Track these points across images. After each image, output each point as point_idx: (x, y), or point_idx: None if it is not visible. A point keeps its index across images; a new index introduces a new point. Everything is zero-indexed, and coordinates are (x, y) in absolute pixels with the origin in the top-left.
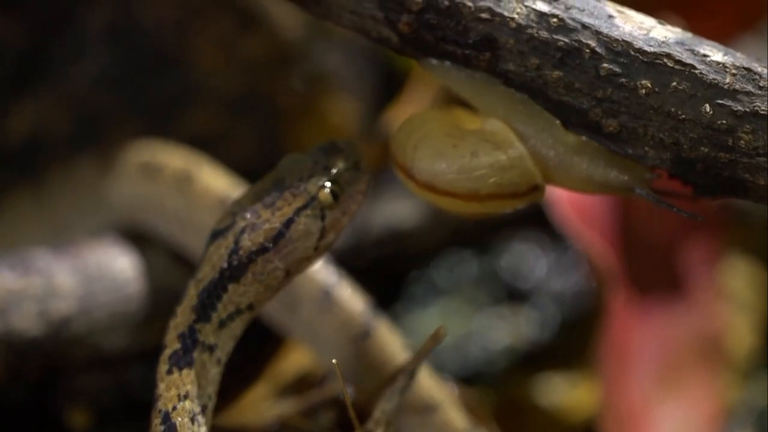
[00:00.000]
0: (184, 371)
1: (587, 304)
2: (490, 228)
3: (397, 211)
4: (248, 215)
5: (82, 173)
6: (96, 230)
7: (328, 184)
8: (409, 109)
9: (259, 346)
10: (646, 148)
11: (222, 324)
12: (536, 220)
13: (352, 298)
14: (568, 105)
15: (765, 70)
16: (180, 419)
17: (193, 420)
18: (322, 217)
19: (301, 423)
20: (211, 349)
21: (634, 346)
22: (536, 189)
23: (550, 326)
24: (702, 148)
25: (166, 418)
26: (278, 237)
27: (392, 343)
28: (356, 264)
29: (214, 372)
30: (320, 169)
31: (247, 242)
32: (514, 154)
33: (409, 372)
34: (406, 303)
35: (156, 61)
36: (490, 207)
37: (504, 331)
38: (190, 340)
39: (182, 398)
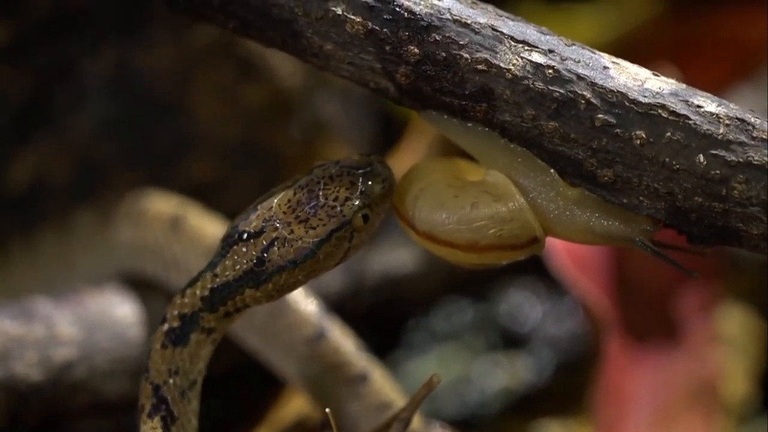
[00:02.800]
0: (178, 348)
1: (583, 349)
2: (486, 276)
3: (394, 258)
4: (280, 227)
5: (83, 222)
6: (96, 278)
7: (364, 210)
8: (407, 158)
9: (259, 392)
10: (641, 198)
11: (227, 315)
12: (532, 268)
13: (343, 340)
14: (563, 155)
15: (758, 121)
16: (170, 396)
17: (182, 395)
18: (350, 239)
19: None
20: (209, 331)
21: (630, 391)
22: (536, 241)
23: (546, 371)
24: (696, 198)
25: (157, 391)
26: (308, 256)
27: (386, 386)
28: (354, 310)
29: (208, 350)
30: (357, 191)
31: (276, 256)
32: (514, 206)
33: (403, 420)
34: (404, 350)
35: (156, 110)
36: (490, 258)
37: (501, 375)
38: (190, 322)
39: (173, 374)
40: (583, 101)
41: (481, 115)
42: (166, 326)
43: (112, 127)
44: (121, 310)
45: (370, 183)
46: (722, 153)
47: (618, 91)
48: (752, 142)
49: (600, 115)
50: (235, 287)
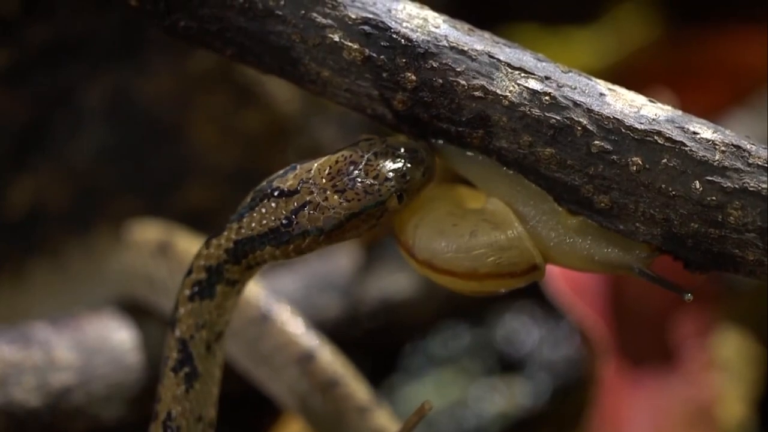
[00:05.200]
0: (205, 301)
1: (579, 374)
2: (483, 301)
3: (391, 283)
4: (315, 192)
5: (81, 248)
6: (94, 304)
7: (400, 193)
8: None
9: (257, 418)
10: (637, 224)
11: (249, 267)
12: (529, 293)
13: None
14: (560, 181)
15: (754, 148)
16: (197, 350)
17: (208, 349)
18: (379, 217)
19: None
20: (234, 283)
21: (626, 416)
22: (535, 269)
23: (542, 396)
24: (692, 224)
25: (184, 346)
26: (336, 227)
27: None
28: (351, 335)
29: (233, 301)
30: (398, 174)
31: (305, 221)
32: (513, 234)
33: None
34: (401, 374)
35: (154, 136)
36: (489, 286)
37: (498, 400)
38: (216, 274)
39: (200, 328)
40: (579, 128)
41: (478, 142)
42: (193, 276)
43: (110, 152)
44: (119, 336)
45: (411, 167)
46: (718, 179)
47: (614, 118)
48: (748, 169)
49: (596, 142)
50: (258, 243)
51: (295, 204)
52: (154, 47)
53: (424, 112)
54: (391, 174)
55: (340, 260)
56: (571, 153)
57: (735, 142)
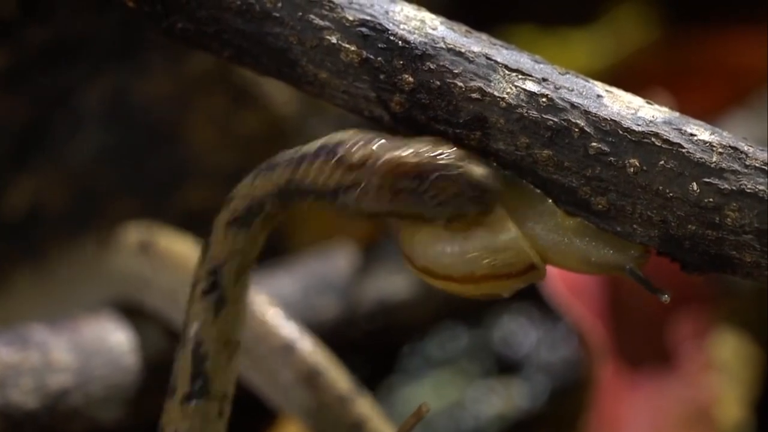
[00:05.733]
0: (242, 230)
1: (577, 375)
2: (481, 302)
3: (389, 284)
4: (374, 181)
5: (79, 250)
6: (92, 306)
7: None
8: None
9: (253, 423)
10: (635, 226)
11: (287, 207)
12: (527, 295)
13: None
14: (557, 183)
15: (751, 149)
16: (226, 279)
17: (237, 279)
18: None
19: None
20: (272, 217)
21: (624, 417)
22: (533, 269)
23: (540, 397)
24: (689, 226)
25: (215, 273)
26: (374, 215)
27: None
28: (349, 337)
29: (265, 235)
30: (455, 209)
31: (350, 200)
32: (507, 236)
33: None
34: (399, 376)
35: (152, 137)
36: (486, 288)
37: (495, 401)
38: (259, 206)
39: (233, 256)
40: (576, 129)
41: (475, 144)
42: (233, 205)
43: (109, 153)
44: (117, 337)
45: (472, 207)
46: (715, 181)
47: (611, 120)
48: (745, 170)
49: (593, 144)
50: (302, 193)
51: (349, 180)
52: (152, 49)
53: (422, 113)
54: (450, 205)
55: (337, 261)
56: (569, 155)
57: (732, 144)
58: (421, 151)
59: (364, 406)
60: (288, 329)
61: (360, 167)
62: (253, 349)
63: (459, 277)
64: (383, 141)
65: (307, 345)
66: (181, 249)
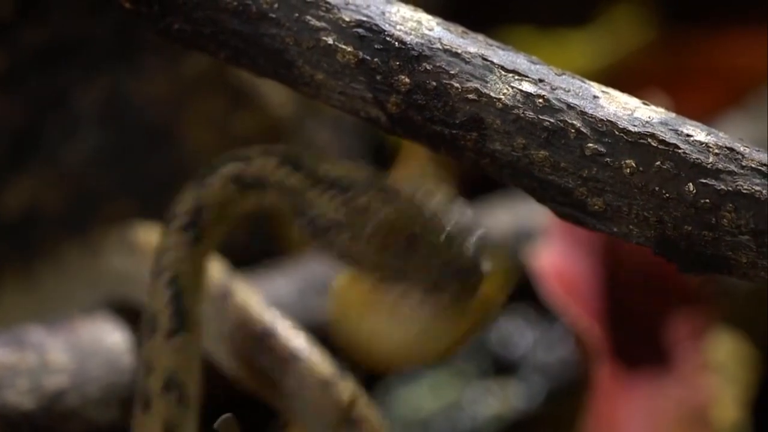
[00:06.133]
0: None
1: (574, 376)
2: None
3: None
4: (363, 234)
5: (75, 251)
6: (89, 307)
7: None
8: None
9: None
10: (631, 227)
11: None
12: (523, 295)
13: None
14: (553, 184)
15: (747, 150)
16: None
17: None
18: None
19: None
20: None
21: (621, 418)
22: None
23: (537, 398)
24: (685, 227)
25: (198, 212)
26: (354, 264)
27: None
28: None
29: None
30: (442, 297)
31: (338, 241)
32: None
33: None
34: (397, 377)
35: (148, 139)
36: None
37: (492, 402)
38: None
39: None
40: (573, 130)
41: (472, 145)
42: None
43: (105, 155)
44: (113, 338)
45: (459, 296)
46: (712, 182)
47: (608, 120)
48: (741, 171)
49: (590, 144)
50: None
51: (345, 220)
52: (148, 50)
53: (418, 114)
54: (438, 274)
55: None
56: (565, 155)
57: (728, 145)
58: (425, 213)
59: (347, 390)
60: (268, 315)
61: (363, 213)
62: (234, 336)
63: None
64: (392, 191)
65: (286, 330)
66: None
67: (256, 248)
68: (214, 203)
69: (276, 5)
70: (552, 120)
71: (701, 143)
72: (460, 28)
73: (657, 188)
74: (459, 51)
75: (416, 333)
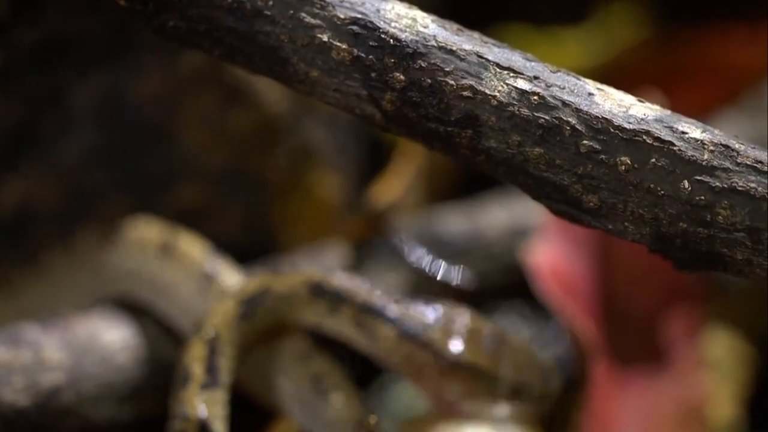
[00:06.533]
0: None
1: (569, 374)
2: (473, 299)
3: (381, 282)
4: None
5: (71, 248)
6: (85, 304)
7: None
8: (395, 183)
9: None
10: (626, 224)
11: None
12: (518, 292)
13: None
14: (548, 181)
15: (742, 147)
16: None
17: None
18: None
19: None
20: None
21: (616, 416)
22: None
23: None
24: (681, 224)
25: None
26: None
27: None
28: None
29: None
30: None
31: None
32: None
33: None
34: (392, 374)
35: (143, 136)
36: None
37: None
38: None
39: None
40: (568, 127)
41: (467, 142)
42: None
43: (100, 153)
44: (109, 335)
45: (539, 381)
46: (707, 179)
47: (603, 118)
48: (737, 168)
49: (585, 142)
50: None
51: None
52: (143, 48)
53: (413, 111)
54: (518, 373)
55: (329, 260)
56: (560, 153)
57: (724, 142)
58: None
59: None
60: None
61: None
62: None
63: None
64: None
65: (229, 275)
66: (201, 255)
67: (253, 246)
68: (281, 295)
69: (271, 2)
70: (547, 117)
71: (696, 140)
72: (455, 26)
73: (652, 185)
74: (454, 48)
75: None
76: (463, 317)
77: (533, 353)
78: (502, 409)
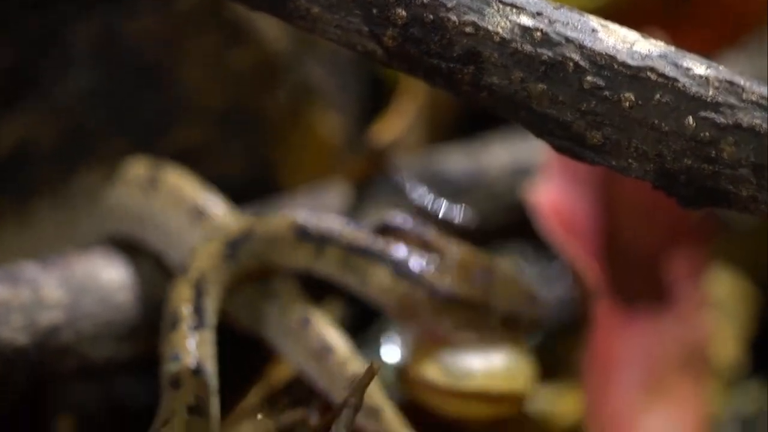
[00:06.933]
0: None
1: (572, 314)
2: (475, 240)
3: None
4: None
5: (69, 188)
6: (84, 244)
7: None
8: (397, 122)
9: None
10: (630, 161)
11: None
12: (520, 232)
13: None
14: (552, 118)
15: (747, 83)
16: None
17: None
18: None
19: None
20: None
21: (619, 355)
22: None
23: (535, 335)
24: (685, 160)
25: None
26: (449, 300)
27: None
28: None
29: None
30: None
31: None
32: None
33: (352, 406)
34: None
35: (142, 76)
36: (469, 407)
37: None
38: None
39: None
40: (571, 64)
41: (469, 78)
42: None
43: (98, 94)
44: (108, 274)
45: (529, 309)
46: (711, 115)
47: (607, 54)
48: (741, 104)
49: (588, 78)
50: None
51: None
52: None
53: (415, 48)
54: (512, 303)
55: (330, 200)
56: (563, 89)
57: (728, 78)
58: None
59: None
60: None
61: (444, 250)
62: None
63: (446, 387)
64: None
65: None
66: (190, 188)
67: (253, 186)
68: (266, 238)
69: None
70: (550, 53)
71: (701, 77)
72: None
73: (656, 122)
74: None
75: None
76: (452, 250)
77: (521, 281)
78: (494, 338)
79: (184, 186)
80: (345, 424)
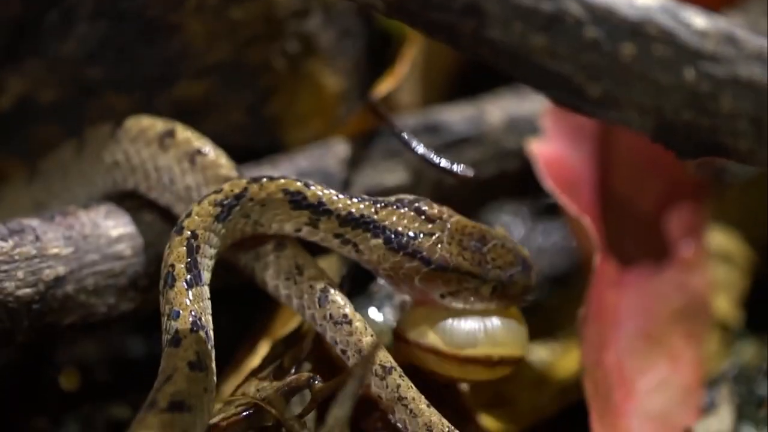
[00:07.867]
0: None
1: (570, 264)
2: (473, 188)
3: (385, 171)
4: (445, 231)
5: (72, 143)
6: (87, 199)
7: (498, 286)
8: (403, 73)
9: (252, 311)
10: (629, 114)
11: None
12: (519, 187)
13: None
14: (551, 71)
15: (747, 36)
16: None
17: None
18: (468, 291)
19: (277, 405)
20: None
21: (617, 309)
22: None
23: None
24: (684, 113)
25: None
26: (441, 269)
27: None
28: None
29: None
30: (511, 273)
31: (418, 244)
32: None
33: (358, 378)
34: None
35: (144, 30)
36: (466, 372)
37: None
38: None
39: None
40: (571, 17)
41: (470, 32)
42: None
43: (100, 48)
44: (110, 224)
45: (521, 277)
46: (711, 68)
47: (606, 7)
48: (741, 58)
49: (589, 31)
50: (377, 231)
51: (429, 229)
52: None
53: (415, 1)
54: (503, 272)
55: (327, 156)
56: (564, 42)
57: (728, 31)
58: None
59: None
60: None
61: (435, 218)
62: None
63: (449, 353)
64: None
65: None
66: (199, 144)
67: (255, 141)
68: (259, 201)
69: None
70: (550, 6)
71: (701, 30)
72: None
73: (656, 75)
74: None
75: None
76: (445, 219)
77: (515, 249)
78: (488, 305)
79: (192, 141)
80: (349, 394)
